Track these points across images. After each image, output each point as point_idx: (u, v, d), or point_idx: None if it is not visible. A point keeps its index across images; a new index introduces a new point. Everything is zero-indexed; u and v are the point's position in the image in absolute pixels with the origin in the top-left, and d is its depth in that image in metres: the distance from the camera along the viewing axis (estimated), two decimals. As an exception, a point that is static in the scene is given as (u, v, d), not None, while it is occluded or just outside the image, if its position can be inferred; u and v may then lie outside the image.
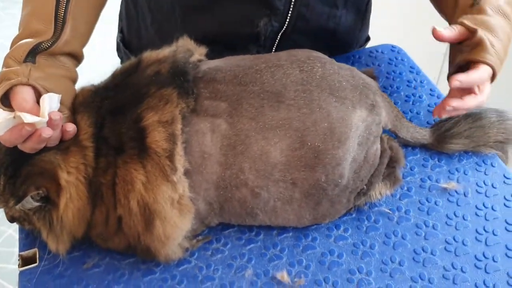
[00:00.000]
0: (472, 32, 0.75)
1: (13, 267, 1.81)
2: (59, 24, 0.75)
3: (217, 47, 0.91)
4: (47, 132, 0.65)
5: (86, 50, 0.81)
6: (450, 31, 0.76)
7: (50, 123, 0.66)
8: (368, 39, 1.18)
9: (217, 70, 0.73)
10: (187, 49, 0.78)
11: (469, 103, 0.76)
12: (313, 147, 0.69)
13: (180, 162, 0.67)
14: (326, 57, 0.78)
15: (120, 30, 1.14)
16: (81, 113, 0.72)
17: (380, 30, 2.19)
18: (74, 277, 0.74)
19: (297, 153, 0.69)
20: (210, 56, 0.81)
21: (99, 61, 1.71)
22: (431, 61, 1.82)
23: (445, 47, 1.73)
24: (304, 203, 0.72)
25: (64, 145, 0.70)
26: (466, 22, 0.76)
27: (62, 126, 0.69)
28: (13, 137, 0.65)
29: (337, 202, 0.73)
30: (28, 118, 0.64)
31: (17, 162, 0.69)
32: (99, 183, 0.69)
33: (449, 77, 0.78)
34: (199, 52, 0.80)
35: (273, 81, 0.71)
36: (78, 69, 0.79)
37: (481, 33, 0.74)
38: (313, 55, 0.76)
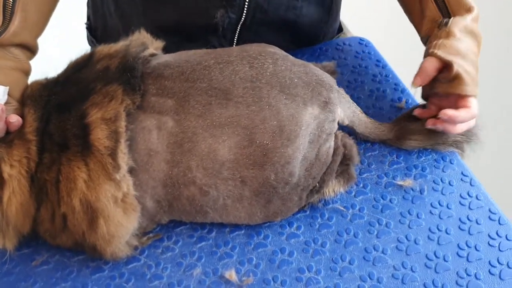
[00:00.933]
0: (447, 64, 0.77)
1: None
2: (7, 14, 0.73)
3: (178, 38, 0.90)
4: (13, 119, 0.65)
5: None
6: (424, 76, 0.79)
7: None
8: (340, 30, 1.16)
9: (166, 66, 0.72)
10: (141, 43, 0.76)
11: (460, 127, 0.79)
12: (262, 145, 0.68)
13: (124, 160, 0.66)
14: (280, 52, 0.77)
15: (88, 18, 1.13)
16: (28, 106, 0.71)
17: (358, 25, 2.19)
18: (22, 275, 0.73)
19: (245, 151, 0.68)
20: (171, 48, 0.80)
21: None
22: (413, 59, 1.81)
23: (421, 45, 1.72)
24: (254, 201, 0.71)
25: (8, 138, 0.69)
26: (440, 54, 0.78)
27: (6, 118, 0.68)
28: None
29: (288, 200, 0.72)
30: None
31: None
32: (44, 180, 0.68)
33: (424, 96, 0.84)
34: (155, 46, 0.79)
35: (222, 78, 0.70)
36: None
37: (457, 66, 0.76)
38: (266, 51, 0.75)
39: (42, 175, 0.68)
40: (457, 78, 0.76)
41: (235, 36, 0.94)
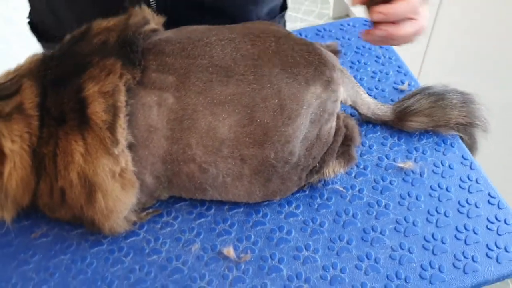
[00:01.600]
0: None
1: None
2: None
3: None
4: None
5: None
6: None
7: None
8: (284, 8, 1.07)
9: (167, 42, 0.71)
10: (142, 17, 0.75)
11: (406, 29, 0.65)
12: (262, 124, 0.67)
13: (123, 135, 0.66)
14: (283, 31, 0.76)
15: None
16: (28, 81, 0.70)
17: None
18: (21, 246, 0.74)
19: (245, 130, 0.68)
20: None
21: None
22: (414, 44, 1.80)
23: (428, 31, 1.70)
24: (254, 180, 0.71)
25: (5, 112, 0.68)
26: None
27: None
28: None
29: (287, 179, 0.72)
30: None
31: None
32: (43, 154, 0.68)
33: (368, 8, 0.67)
34: (156, 21, 0.78)
35: (223, 55, 0.69)
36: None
37: None
38: (269, 29, 0.74)
39: (41, 149, 0.68)
40: None
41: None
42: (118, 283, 0.69)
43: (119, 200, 0.68)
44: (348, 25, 1.05)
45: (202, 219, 0.76)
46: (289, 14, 2.66)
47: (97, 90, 0.65)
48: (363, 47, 1.00)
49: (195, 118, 0.68)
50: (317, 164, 0.73)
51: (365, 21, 1.06)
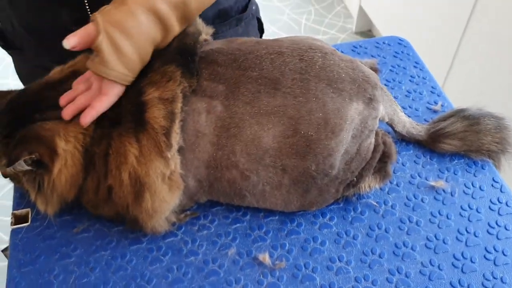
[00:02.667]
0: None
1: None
2: None
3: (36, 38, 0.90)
4: None
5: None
6: (76, 36, 0.67)
7: None
8: (243, 11, 1.02)
9: (219, 53, 0.74)
10: (196, 28, 0.78)
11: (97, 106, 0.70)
12: (306, 136, 0.70)
13: (176, 139, 0.69)
14: (329, 47, 0.78)
15: None
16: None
17: (390, 23, 2.18)
18: (64, 240, 0.77)
19: (289, 141, 0.70)
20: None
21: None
22: (439, 59, 1.82)
23: (455, 47, 1.72)
24: (292, 190, 0.73)
25: None
26: (98, 19, 0.66)
27: None
28: None
29: (325, 191, 0.74)
30: None
31: (14, 123, 0.71)
32: (93, 153, 0.71)
33: None
34: (206, 31, 0.80)
35: (272, 68, 0.72)
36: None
37: (102, 38, 0.66)
38: (315, 44, 0.76)
39: (93, 148, 0.71)
40: (98, 52, 0.67)
41: None
42: (156, 281, 0.72)
43: (165, 201, 0.71)
44: (384, 43, 1.08)
45: (238, 225, 0.78)
46: (311, 26, 2.69)
47: (157, 96, 0.68)
48: (398, 65, 1.03)
49: (242, 126, 0.70)
50: (355, 179, 0.76)
51: (400, 40, 1.09)
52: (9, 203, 1.84)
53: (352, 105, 0.72)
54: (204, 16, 0.84)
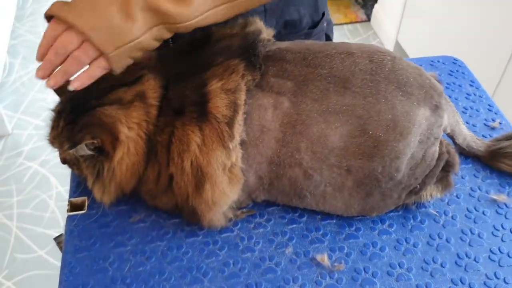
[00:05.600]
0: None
1: (41, 230, 1.85)
2: None
3: None
4: None
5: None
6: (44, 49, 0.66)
7: None
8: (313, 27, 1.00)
9: (287, 51, 0.75)
10: (256, 27, 0.79)
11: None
12: (374, 137, 0.69)
13: (238, 131, 0.69)
14: (394, 53, 0.79)
15: None
16: (149, 74, 0.73)
17: (441, 41, 2.16)
18: (119, 229, 0.76)
19: (356, 140, 0.70)
20: None
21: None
22: (488, 74, 1.79)
23: (505, 63, 1.70)
24: (355, 192, 0.72)
25: (126, 99, 0.72)
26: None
27: None
28: None
29: (388, 196, 0.73)
30: None
31: (77, 110, 0.72)
32: (155, 141, 0.71)
33: None
34: (266, 33, 0.81)
35: (342, 67, 0.72)
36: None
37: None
38: (383, 48, 0.77)
39: (155, 137, 0.71)
40: None
41: None
42: (212, 274, 0.71)
43: (225, 193, 0.70)
44: (438, 61, 1.08)
45: (294, 225, 0.77)
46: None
47: (220, 86, 0.69)
48: (453, 83, 1.02)
49: (308, 124, 0.70)
50: (417, 186, 0.74)
51: (455, 59, 1.08)
52: (38, 213, 1.86)
53: (420, 110, 0.72)
54: (269, 25, 0.86)
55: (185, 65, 0.75)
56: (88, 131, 0.69)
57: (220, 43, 0.75)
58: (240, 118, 0.69)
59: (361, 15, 2.95)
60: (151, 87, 0.72)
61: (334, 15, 2.96)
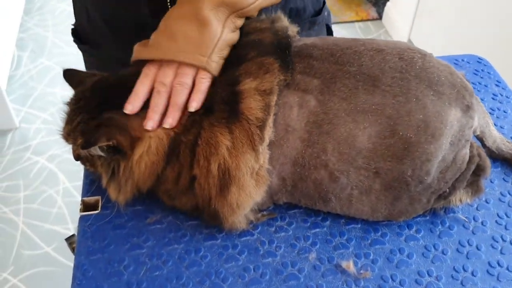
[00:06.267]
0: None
1: (49, 226, 1.83)
2: None
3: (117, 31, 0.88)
4: None
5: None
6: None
7: None
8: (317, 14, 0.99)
9: (314, 47, 0.71)
10: (283, 24, 0.75)
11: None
12: (405, 138, 0.66)
13: (268, 133, 0.66)
14: (425, 50, 0.75)
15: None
16: None
17: (457, 40, 2.12)
18: (135, 230, 0.73)
19: (386, 142, 0.66)
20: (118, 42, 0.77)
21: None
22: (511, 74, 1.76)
23: None
24: (382, 196, 0.69)
25: None
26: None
27: None
28: None
29: (416, 201, 0.70)
30: None
31: (101, 106, 0.69)
32: (179, 141, 0.68)
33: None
34: (291, 29, 0.78)
35: (371, 65, 0.69)
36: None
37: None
38: (412, 46, 0.73)
39: (179, 136, 0.68)
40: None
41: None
42: (232, 280, 0.68)
43: (250, 196, 0.67)
44: (463, 60, 1.04)
45: (318, 229, 0.74)
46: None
47: (254, 87, 0.65)
48: (479, 83, 0.99)
49: (336, 123, 0.67)
50: (447, 190, 0.71)
51: (480, 58, 1.05)
52: (46, 209, 1.84)
53: (452, 110, 0.68)
54: (274, 12, 0.83)
55: None
56: (105, 131, 0.66)
57: (250, 36, 0.72)
58: (271, 120, 0.66)
59: (373, 13, 2.92)
60: None
61: (345, 12, 2.92)
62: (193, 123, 0.67)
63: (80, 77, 0.74)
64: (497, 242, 0.72)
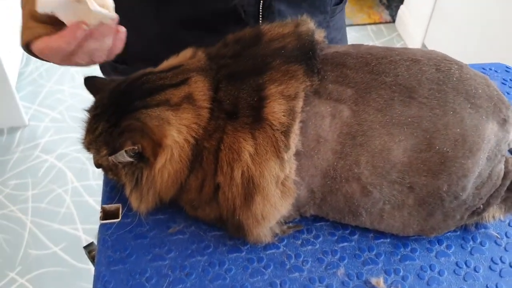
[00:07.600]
0: None
1: (57, 226, 1.81)
2: None
3: (198, 32, 0.85)
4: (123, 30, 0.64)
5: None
6: None
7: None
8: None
9: (347, 55, 0.69)
10: (308, 27, 0.73)
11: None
12: (441, 152, 0.64)
13: (294, 141, 0.63)
14: (461, 62, 0.73)
15: None
16: (197, 75, 0.68)
17: (474, 46, 2.09)
18: (157, 240, 0.71)
19: (421, 156, 0.64)
20: (192, 43, 0.75)
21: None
22: None
23: None
24: (415, 211, 0.67)
25: (174, 101, 0.66)
26: None
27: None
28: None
29: (450, 217, 0.67)
30: (96, 6, 0.58)
31: (120, 112, 0.66)
32: (202, 147, 0.65)
33: None
34: (318, 34, 0.76)
35: (408, 75, 0.66)
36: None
37: None
38: (448, 57, 0.71)
39: (202, 142, 0.66)
40: None
41: (258, 21, 0.84)
42: (258, 295, 0.65)
43: (276, 207, 0.65)
44: (490, 69, 1.02)
45: (346, 243, 0.71)
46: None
47: (279, 91, 0.63)
48: (507, 93, 0.96)
49: (370, 135, 0.64)
50: (481, 206, 0.69)
51: (508, 67, 1.02)
52: (54, 208, 1.82)
53: (489, 124, 0.66)
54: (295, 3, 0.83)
55: (237, 65, 0.69)
56: (129, 136, 0.64)
57: (273, 44, 0.70)
58: (296, 127, 0.64)
59: (386, 16, 2.89)
60: (199, 89, 0.67)
61: (357, 14, 2.90)
62: (216, 128, 0.65)
63: (100, 85, 0.72)
64: (531, 261, 0.70)
